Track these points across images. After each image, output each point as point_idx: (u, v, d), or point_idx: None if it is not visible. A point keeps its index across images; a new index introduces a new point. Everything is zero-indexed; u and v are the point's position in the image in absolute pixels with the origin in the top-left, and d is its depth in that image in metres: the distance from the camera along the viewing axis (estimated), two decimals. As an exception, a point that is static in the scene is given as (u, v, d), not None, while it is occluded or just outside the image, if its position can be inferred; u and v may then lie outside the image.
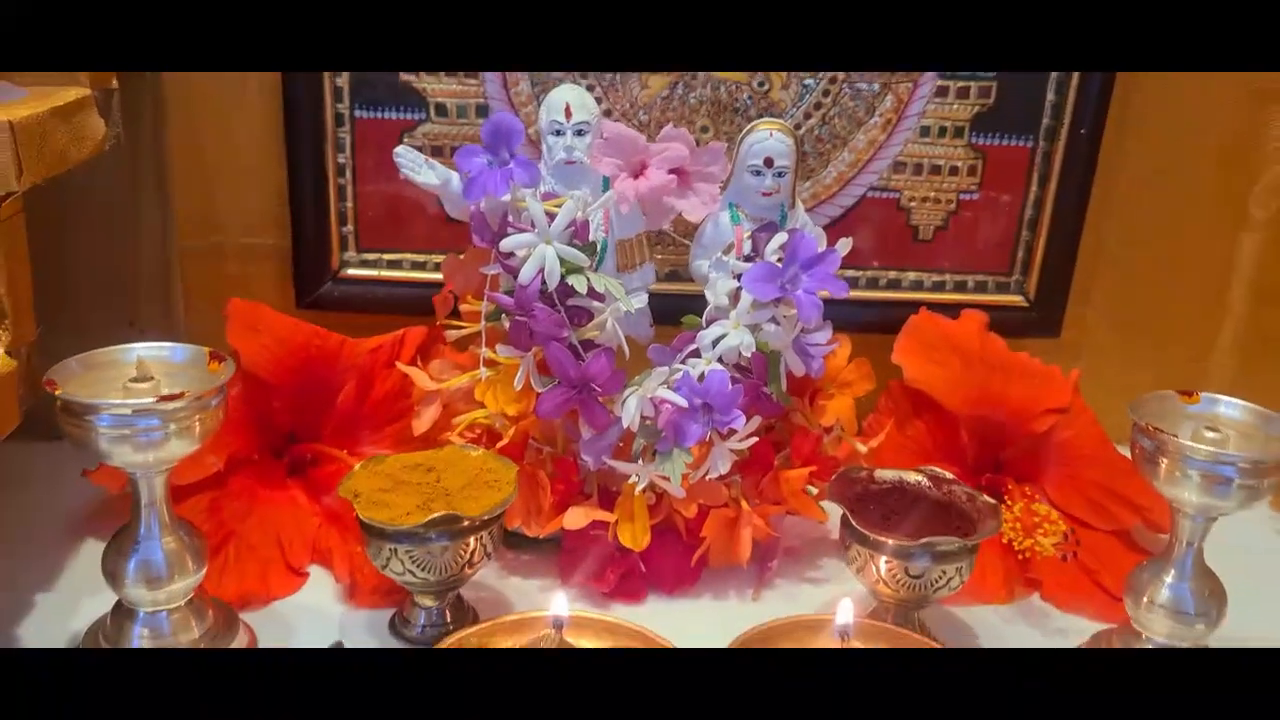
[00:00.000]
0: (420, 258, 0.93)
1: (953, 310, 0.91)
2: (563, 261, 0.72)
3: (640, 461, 0.75)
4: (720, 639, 0.68)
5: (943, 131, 0.92)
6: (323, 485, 0.82)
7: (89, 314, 0.87)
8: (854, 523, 0.70)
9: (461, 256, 0.81)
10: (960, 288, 0.97)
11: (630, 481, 0.75)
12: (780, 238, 0.75)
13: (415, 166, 0.77)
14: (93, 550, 0.78)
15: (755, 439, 0.76)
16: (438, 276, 0.88)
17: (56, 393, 0.59)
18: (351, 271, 0.92)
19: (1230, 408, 0.69)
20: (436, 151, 0.89)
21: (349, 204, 0.91)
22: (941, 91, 0.91)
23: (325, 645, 0.70)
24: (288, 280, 0.92)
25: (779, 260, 0.74)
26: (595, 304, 0.74)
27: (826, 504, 0.81)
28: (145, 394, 0.61)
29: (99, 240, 0.88)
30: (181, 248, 0.91)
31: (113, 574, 0.64)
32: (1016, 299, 0.97)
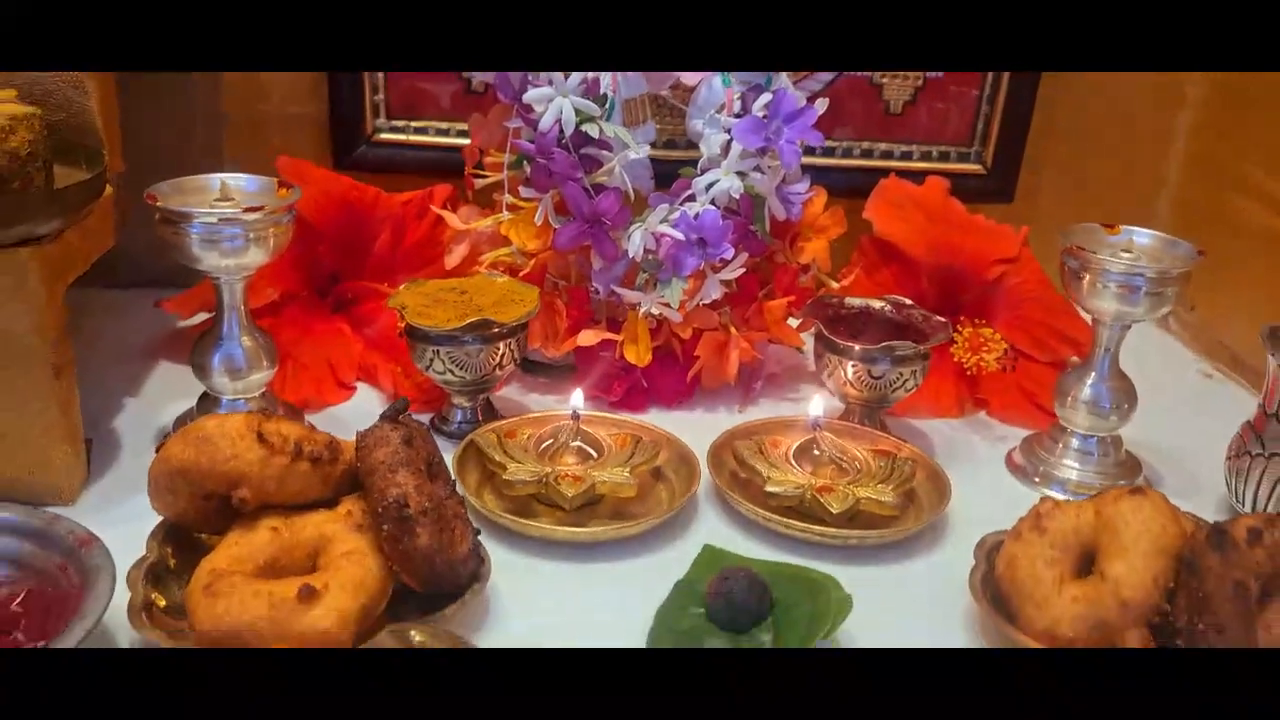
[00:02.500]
0: (444, 125, 1.04)
1: (918, 177, 1.02)
2: (577, 112, 0.83)
3: (644, 290, 0.87)
4: (709, 438, 0.80)
5: (911, 14, 1.03)
6: (364, 320, 0.94)
7: (149, 174, 0.97)
8: (827, 334, 0.83)
9: (486, 115, 0.92)
10: (925, 157, 1.08)
11: (635, 307, 0.87)
12: (766, 97, 0.86)
13: (446, 31, 0.87)
14: (166, 368, 0.90)
15: (742, 271, 0.87)
16: (459, 142, 1.00)
17: (157, 203, 0.71)
18: (383, 136, 1.03)
19: (1143, 236, 0.82)
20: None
21: (381, 75, 1.01)
22: (911, -23, 1.02)
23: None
24: (325, 146, 1.03)
25: (764, 115, 0.85)
26: (604, 153, 0.86)
27: (804, 336, 0.94)
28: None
29: (158, 109, 0.98)
30: (230, 115, 1.02)
31: (200, 366, 0.76)
32: (975, 167, 1.09)
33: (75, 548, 0.59)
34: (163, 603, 0.61)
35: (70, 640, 0.53)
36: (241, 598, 0.57)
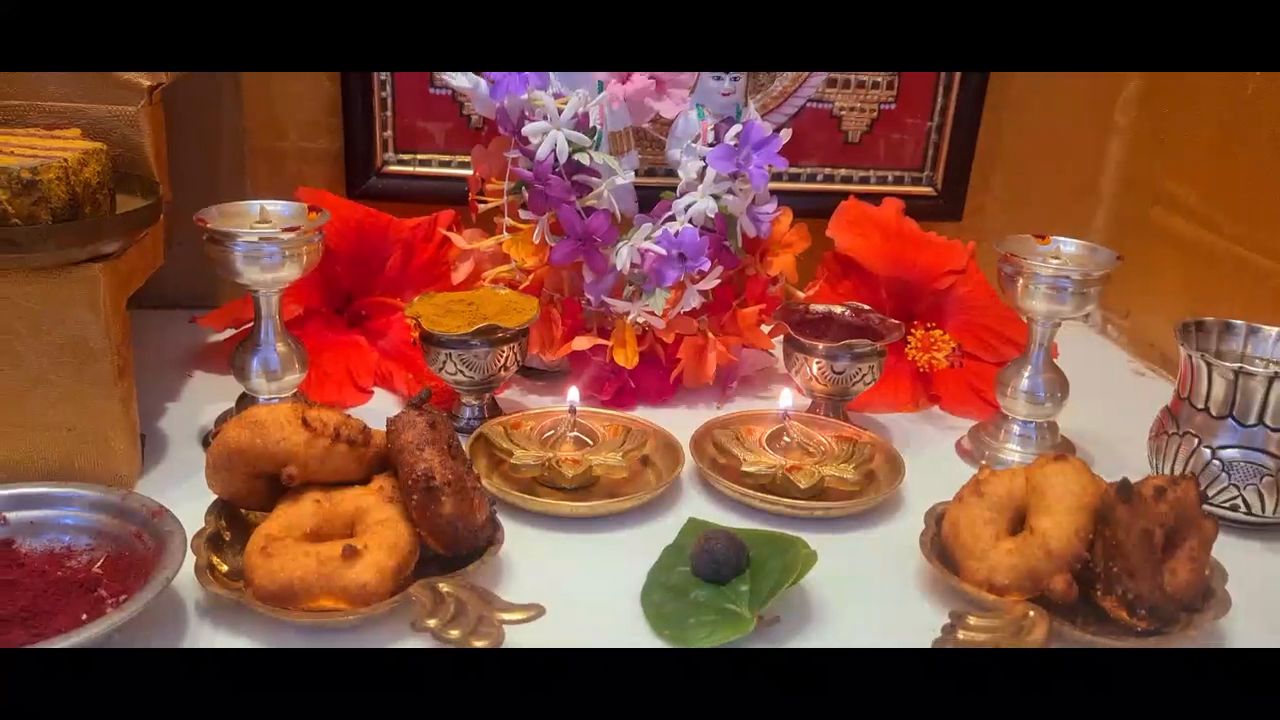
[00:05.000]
0: (445, 157, 1.14)
1: (876, 199, 1.13)
2: (570, 143, 0.93)
3: (630, 300, 0.97)
4: (691, 430, 0.90)
5: (866, 53, 1.15)
6: (378, 332, 1.04)
7: (181, 203, 1.06)
8: (794, 335, 0.93)
9: (487, 147, 1.02)
10: (882, 181, 1.20)
11: (623, 315, 0.97)
12: (736, 127, 0.97)
13: (452, 74, 0.98)
14: (201, 377, 1.00)
15: (718, 282, 0.98)
16: (459, 172, 1.11)
17: (207, 225, 0.81)
18: (391, 168, 1.13)
19: (1069, 245, 0.93)
20: (460, 70, 1.10)
21: (390, 114, 1.12)
22: (865, 20, 1.13)
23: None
24: (338, 177, 1.13)
25: (736, 143, 0.96)
26: (594, 179, 0.96)
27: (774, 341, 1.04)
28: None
29: (188, 145, 1.08)
30: (251, 150, 1.12)
31: (240, 369, 0.85)
32: (927, 189, 1.20)
33: (149, 517, 0.69)
34: (224, 568, 0.70)
35: (152, 592, 0.62)
36: (293, 556, 0.66)
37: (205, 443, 0.88)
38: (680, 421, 0.94)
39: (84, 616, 0.63)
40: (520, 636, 0.65)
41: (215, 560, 0.70)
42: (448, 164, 1.14)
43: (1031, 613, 0.68)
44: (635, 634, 0.68)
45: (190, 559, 0.68)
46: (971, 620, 0.68)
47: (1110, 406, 1.04)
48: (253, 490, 0.72)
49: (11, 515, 0.70)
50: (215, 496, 0.73)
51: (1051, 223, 1.23)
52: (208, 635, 0.66)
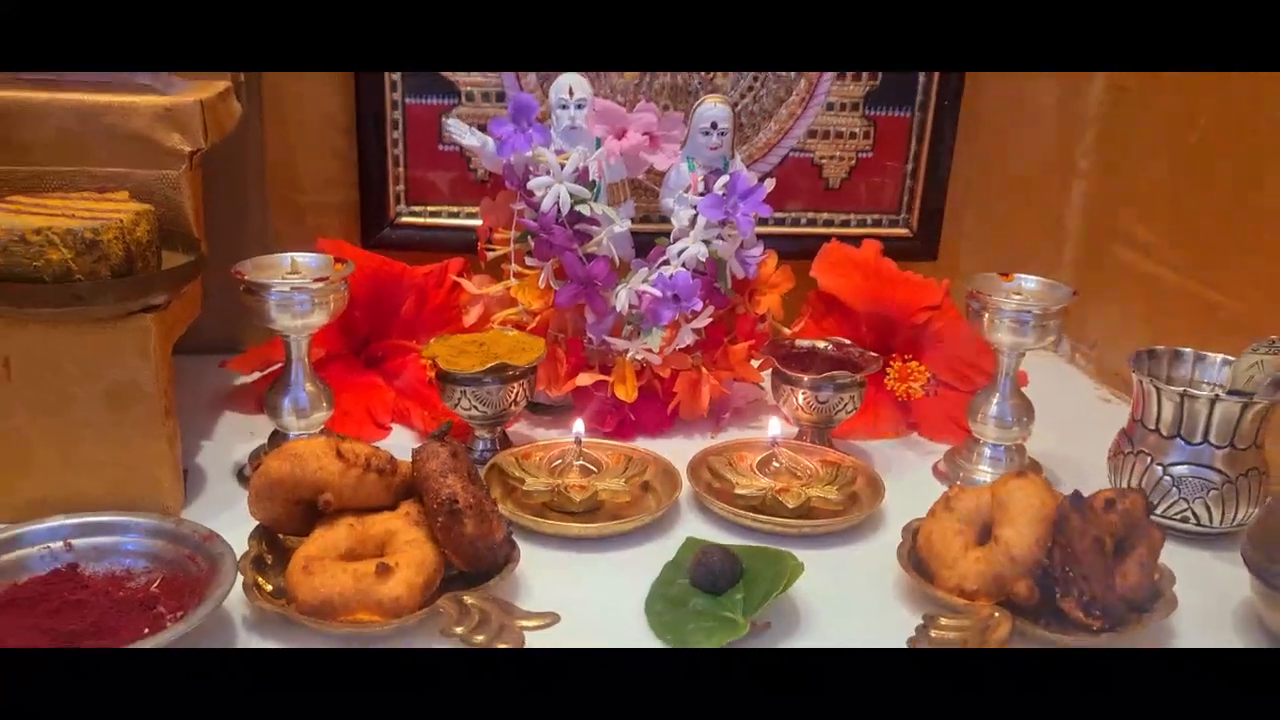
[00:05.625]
0: (454, 208, 1.22)
1: (855, 241, 1.21)
2: (571, 195, 1.02)
3: (629, 339, 1.05)
4: (688, 457, 0.98)
5: (843, 106, 1.24)
6: (394, 373, 1.12)
7: (211, 254, 1.14)
8: (781, 368, 1.01)
9: (494, 200, 1.10)
10: (861, 224, 1.28)
11: (622, 353, 1.05)
12: (724, 178, 1.05)
13: (461, 133, 1.07)
14: (231, 417, 1.07)
15: (710, 321, 1.06)
16: (467, 223, 1.19)
17: (244, 277, 0.89)
18: (404, 219, 1.22)
19: (1030, 281, 1.01)
20: (467, 128, 1.19)
21: (402, 169, 1.20)
22: (841, 75, 1.22)
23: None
24: (353, 227, 1.21)
25: (724, 193, 1.05)
26: (594, 228, 1.05)
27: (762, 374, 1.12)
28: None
29: (217, 201, 1.16)
30: (274, 203, 1.20)
31: (273, 407, 0.93)
32: (903, 231, 1.29)
33: (201, 542, 0.76)
34: (268, 587, 0.77)
35: (209, 607, 0.70)
36: (332, 574, 0.74)
37: (239, 476, 0.95)
38: (677, 450, 1.01)
39: (145, 631, 0.70)
40: (537, 642, 0.72)
41: (260, 580, 0.77)
42: (456, 215, 1.23)
43: (996, 614, 0.75)
44: (639, 640, 0.76)
45: (238, 578, 0.75)
46: (943, 621, 0.75)
47: (1077, 431, 1.11)
48: (291, 516, 0.79)
49: (77, 542, 0.77)
50: (255, 524, 0.80)
51: (1022, 260, 1.31)
52: (256, 647, 0.73)
